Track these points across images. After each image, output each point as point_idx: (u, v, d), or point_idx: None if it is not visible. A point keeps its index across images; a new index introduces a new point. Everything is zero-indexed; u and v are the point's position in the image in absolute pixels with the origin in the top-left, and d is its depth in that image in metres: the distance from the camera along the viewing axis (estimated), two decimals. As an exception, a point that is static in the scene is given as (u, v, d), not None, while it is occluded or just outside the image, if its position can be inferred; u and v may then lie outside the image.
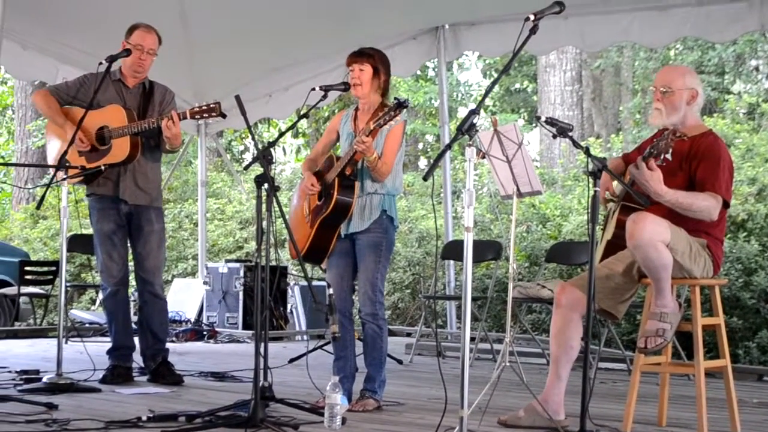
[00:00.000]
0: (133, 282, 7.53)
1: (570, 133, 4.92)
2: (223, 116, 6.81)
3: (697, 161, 5.40)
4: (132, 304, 8.10)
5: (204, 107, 6.74)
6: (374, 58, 6.13)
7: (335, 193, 5.99)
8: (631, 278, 5.47)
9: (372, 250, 6.05)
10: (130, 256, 7.36)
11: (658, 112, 5.51)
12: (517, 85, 25.16)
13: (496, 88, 22.76)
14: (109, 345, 7.35)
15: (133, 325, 7.51)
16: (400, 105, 5.70)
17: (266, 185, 5.41)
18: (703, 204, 5.27)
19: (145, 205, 7.20)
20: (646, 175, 5.12)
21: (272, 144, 5.79)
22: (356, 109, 6.27)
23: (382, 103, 6.12)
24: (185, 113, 6.77)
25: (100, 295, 14.56)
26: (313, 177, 6.23)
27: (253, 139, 6.30)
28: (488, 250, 9.69)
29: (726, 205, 5.40)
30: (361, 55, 6.14)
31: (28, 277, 12.43)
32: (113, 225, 7.18)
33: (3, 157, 25.78)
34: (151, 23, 7.25)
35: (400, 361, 8.99)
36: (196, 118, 6.83)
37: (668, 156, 5.07)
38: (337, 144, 6.40)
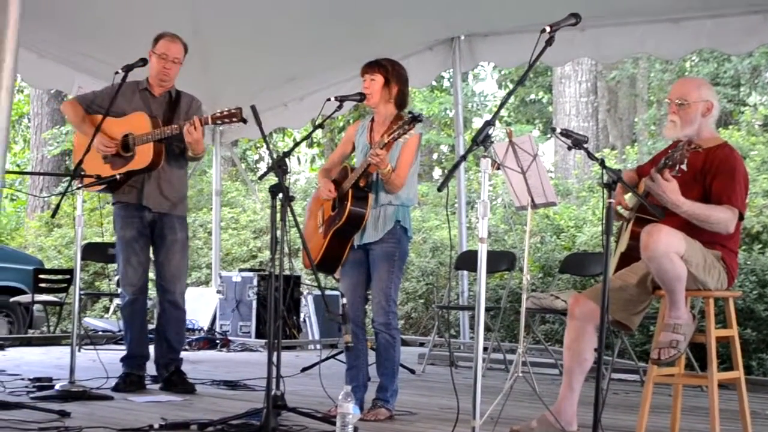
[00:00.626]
0: (153, 291, 7.55)
1: (585, 145, 4.92)
2: (244, 121, 6.80)
3: (712, 174, 5.38)
4: (151, 312, 8.12)
5: (225, 112, 6.76)
6: (386, 69, 6.13)
7: (349, 204, 6.00)
8: (645, 290, 5.46)
9: (386, 260, 6.05)
10: (152, 266, 7.39)
11: (673, 125, 5.50)
12: (533, 96, 25.16)
13: (511, 98, 22.75)
14: (124, 352, 7.36)
15: (150, 334, 7.54)
16: (414, 119, 5.71)
17: (281, 195, 5.42)
18: (721, 216, 5.26)
19: (169, 213, 7.22)
20: (663, 186, 5.11)
21: (287, 154, 5.80)
22: (372, 120, 6.28)
23: (398, 115, 6.12)
24: (207, 119, 6.80)
25: (115, 302, 14.64)
26: (330, 183, 6.23)
27: (268, 148, 6.31)
28: (502, 261, 9.69)
29: (741, 217, 5.39)
30: (373, 65, 6.15)
31: (42, 285, 12.45)
32: (135, 232, 7.21)
33: (19, 166, 25.88)
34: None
35: (412, 371, 8.98)
36: (217, 123, 6.84)
37: (683, 167, 5.06)
38: (353, 154, 6.41)
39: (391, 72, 6.13)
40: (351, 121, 20.84)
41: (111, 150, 7.05)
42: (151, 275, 7.51)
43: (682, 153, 5.01)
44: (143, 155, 6.99)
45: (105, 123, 6.97)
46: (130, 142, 7.02)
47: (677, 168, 5.06)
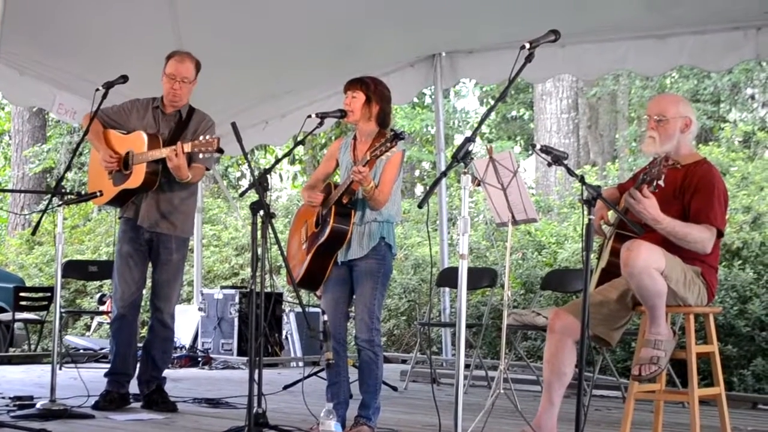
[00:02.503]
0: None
1: (565, 161, 4.94)
2: (221, 152, 6.81)
3: (691, 191, 5.41)
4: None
5: (203, 141, 6.73)
6: (368, 87, 6.14)
7: (332, 220, 6.00)
8: (625, 305, 5.48)
9: (370, 276, 6.05)
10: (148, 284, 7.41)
11: (651, 140, 5.53)
12: (514, 113, 25.23)
13: (493, 115, 22.82)
14: (105, 370, 7.34)
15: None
16: (396, 137, 5.70)
17: (262, 212, 5.42)
18: (699, 236, 5.29)
19: (167, 233, 7.21)
20: (643, 202, 5.13)
21: (268, 171, 5.81)
22: (354, 138, 6.29)
23: (380, 133, 6.13)
24: (183, 147, 6.79)
25: (96, 320, 14.59)
26: (316, 192, 6.23)
27: (250, 165, 6.31)
28: (483, 278, 9.71)
29: (720, 234, 5.42)
30: (355, 83, 6.16)
31: (23, 302, 12.40)
32: (131, 249, 7.22)
33: (-1, 183, 25.81)
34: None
35: (394, 388, 8.97)
36: (195, 151, 6.80)
37: (661, 182, 5.09)
38: (336, 171, 6.42)
39: (373, 90, 6.14)
40: (333, 138, 20.85)
41: (112, 165, 7.06)
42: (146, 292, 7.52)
43: (660, 169, 5.04)
44: (137, 175, 7.01)
45: (113, 137, 7.12)
46: (130, 160, 7.04)
47: (655, 184, 5.09)
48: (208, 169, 7.41)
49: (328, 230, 6.00)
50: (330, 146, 6.69)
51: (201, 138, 6.75)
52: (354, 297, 6.17)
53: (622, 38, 9.67)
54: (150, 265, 7.35)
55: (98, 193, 6.91)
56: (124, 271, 7.23)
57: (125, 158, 7.07)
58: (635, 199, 5.15)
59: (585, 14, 9.18)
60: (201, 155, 6.83)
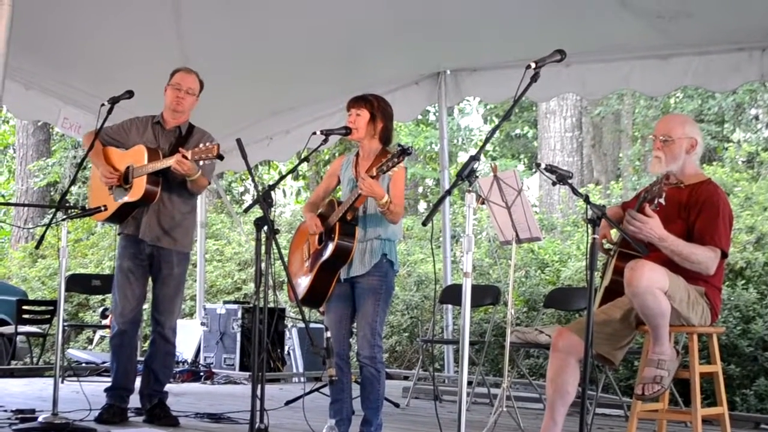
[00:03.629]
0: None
1: (569, 181, 4.94)
2: (221, 158, 6.80)
3: (696, 211, 5.42)
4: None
5: (203, 148, 6.74)
6: (372, 104, 6.16)
7: (336, 237, 6.01)
8: (629, 325, 5.48)
9: (372, 293, 6.05)
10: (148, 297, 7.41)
11: (657, 161, 5.54)
12: (518, 131, 25.23)
13: (497, 133, 22.81)
14: (108, 383, 7.33)
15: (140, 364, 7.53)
16: (404, 152, 5.70)
17: (266, 228, 5.43)
18: (702, 257, 5.30)
19: (168, 247, 7.21)
20: (649, 223, 5.14)
21: (272, 187, 5.81)
22: (357, 155, 6.30)
23: (383, 150, 6.15)
24: (186, 155, 6.80)
25: (98, 334, 14.60)
26: (316, 218, 6.25)
27: (254, 182, 6.31)
28: (487, 295, 9.70)
29: (724, 255, 5.42)
30: (359, 100, 6.18)
31: (26, 316, 12.39)
32: (131, 264, 7.21)
33: (3, 197, 25.82)
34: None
35: (396, 405, 8.96)
36: (195, 159, 6.81)
37: (662, 201, 5.10)
38: (338, 188, 6.43)
39: (377, 107, 6.16)
40: (336, 155, 20.88)
41: (112, 180, 7.08)
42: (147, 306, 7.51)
43: (660, 187, 5.05)
44: (137, 188, 7.01)
45: (113, 154, 7.14)
46: (130, 174, 7.05)
47: (656, 202, 5.09)
48: (208, 183, 7.40)
49: (332, 247, 6.01)
50: (332, 164, 6.70)
51: (201, 145, 6.76)
52: (356, 314, 6.17)
53: (627, 58, 9.67)
54: (150, 280, 7.35)
55: (102, 208, 6.90)
56: (124, 287, 7.22)
57: (125, 173, 7.09)
58: (641, 222, 5.15)
59: (589, 34, 9.20)
60: (201, 163, 6.84)
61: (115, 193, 7.13)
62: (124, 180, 7.09)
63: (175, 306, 7.40)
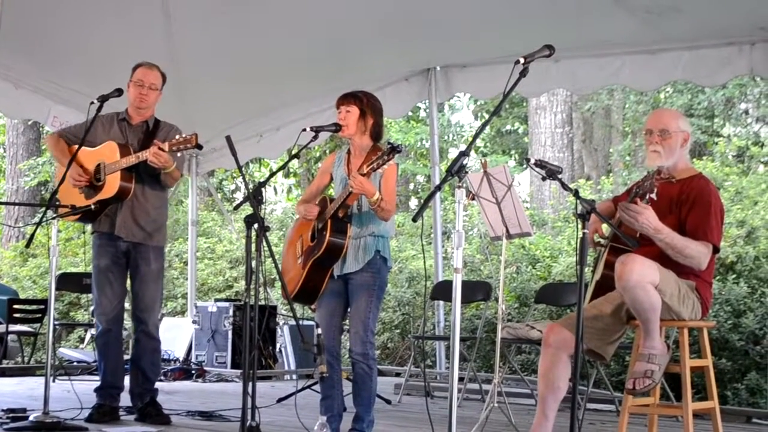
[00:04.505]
0: (128, 321, 7.51)
1: (559, 176, 4.94)
2: (200, 147, 6.76)
3: (688, 206, 5.42)
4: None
5: (180, 139, 6.72)
6: (362, 101, 6.15)
7: (328, 234, 6.00)
8: (620, 319, 5.48)
9: (365, 290, 6.05)
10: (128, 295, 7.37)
11: (657, 154, 5.51)
12: (508, 127, 25.25)
13: (487, 129, 22.83)
14: (98, 383, 7.32)
15: (126, 364, 7.50)
16: (394, 149, 5.70)
17: (256, 225, 5.42)
18: (695, 251, 5.30)
19: (144, 243, 7.19)
20: (645, 214, 5.14)
21: (263, 184, 5.80)
22: (348, 152, 6.29)
23: (374, 147, 6.14)
24: (164, 147, 6.76)
25: (90, 333, 14.56)
26: (311, 205, 6.24)
27: (244, 179, 6.31)
28: (478, 291, 9.70)
29: (716, 250, 5.42)
30: (348, 97, 6.17)
31: (17, 315, 12.38)
32: (109, 262, 7.18)
33: (-7, 196, 25.77)
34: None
35: (388, 401, 8.96)
36: (173, 150, 6.78)
37: (653, 196, 5.10)
38: (330, 185, 6.42)
39: (366, 104, 6.16)
40: (327, 152, 20.87)
41: (82, 182, 7.02)
42: (127, 305, 7.48)
43: (651, 182, 5.06)
44: (111, 184, 6.96)
45: (81, 154, 7.00)
46: (101, 171, 7.01)
47: (647, 197, 5.10)
48: (181, 175, 7.37)
49: (324, 244, 6.00)
50: (324, 161, 6.69)
51: (177, 136, 6.73)
52: (349, 310, 6.17)
53: (617, 53, 9.68)
54: (128, 277, 7.33)
55: (92, 206, 6.88)
56: (104, 286, 7.19)
57: (96, 171, 7.06)
58: (636, 212, 5.15)
59: (579, 29, 9.20)
60: (179, 154, 6.81)
61: (85, 192, 7.07)
62: (96, 178, 7.05)
63: (156, 302, 7.37)
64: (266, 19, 9.43)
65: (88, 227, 7.39)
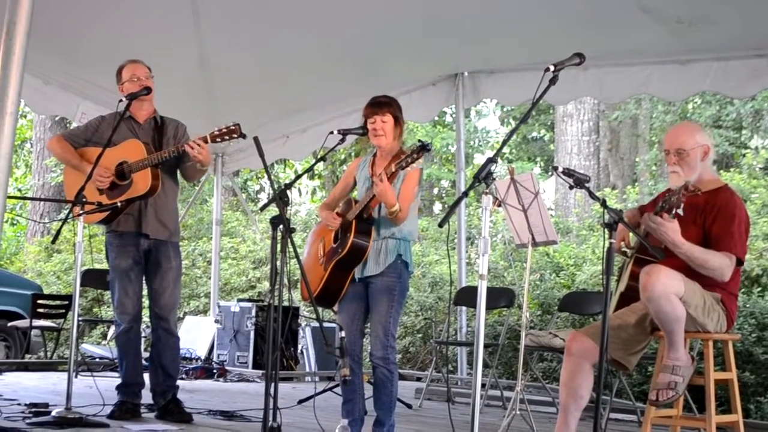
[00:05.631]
0: (146, 318, 7.51)
1: (587, 185, 4.93)
2: (244, 137, 6.72)
3: (712, 217, 5.40)
4: (144, 340, 8.09)
5: (224, 129, 6.70)
6: (393, 107, 6.14)
7: (351, 235, 5.99)
8: (644, 330, 5.47)
9: (386, 294, 6.03)
10: (144, 292, 7.36)
11: (676, 176, 5.50)
12: (534, 134, 25.23)
13: (513, 136, 22.80)
14: (119, 380, 7.34)
15: (144, 362, 7.50)
16: (423, 147, 5.68)
17: (281, 226, 5.43)
18: (717, 263, 5.28)
19: (165, 240, 7.20)
20: (666, 226, 5.12)
21: (289, 186, 5.81)
22: (374, 155, 6.28)
23: (400, 150, 6.13)
24: (206, 137, 6.73)
25: (112, 330, 14.63)
26: (334, 213, 6.24)
27: (270, 180, 6.29)
28: (501, 298, 9.68)
29: (740, 263, 5.40)
30: (381, 106, 6.12)
31: (41, 310, 12.44)
32: (131, 261, 7.17)
33: (20, 191, 25.91)
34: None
35: (409, 406, 8.96)
36: (217, 141, 6.76)
37: (680, 211, 5.08)
38: (354, 188, 6.42)
39: (397, 109, 6.16)
40: (352, 154, 20.90)
41: (106, 182, 7.02)
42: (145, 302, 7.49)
43: (678, 198, 5.02)
44: (142, 181, 6.96)
45: (94, 154, 6.96)
46: (126, 169, 7.00)
47: (674, 212, 5.07)
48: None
49: (348, 245, 5.99)
50: (349, 165, 6.68)
51: (222, 126, 6.72)
52: (370, 314, 6.16)
53: (645, 63, 9.65)
54: (145, 275, 7.31)
55: (118, 204, 6.90)
56: (126, 286, 7.17)
57: (119, 169, 7.06)
58: (656, 223, 5.14)
59: (608, 38, 9.17)
60: (218, 142, 6.78)
61: (108, 193, 7.03)
62: (120, 176, 7.06)
63: (176, 298, 7.36)
64: (294, 21, 9.44)
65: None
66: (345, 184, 6.46)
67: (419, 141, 5.79)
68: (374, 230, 6.04)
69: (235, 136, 6.69)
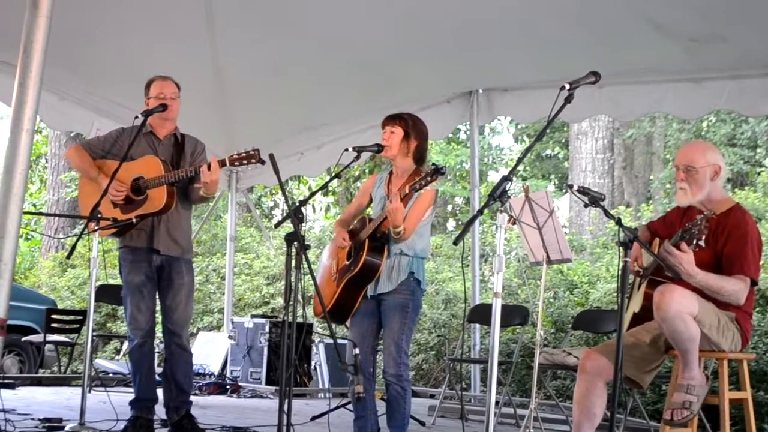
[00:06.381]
0: (159, 333, 7.52)
1: (602, 203, 4.93)
2: (262, 162, 6.69)
3: (724, 237, 5.40)
4: (157, 355, 8.09)
5: (243, 154, 6.71)
6: (407, 122, 6.17)
7: (364, 254, 6.01)
8: (658, 349, 5.46)
9: (398, 311, 6.04)
10: (157, 307, 7.36)
11: (683, 192, 5.52)
12: (549, 151, 25.22)
13: (528, 153, 22.78)
14: (132, 396, 7.34)
15: (157, 377, 7.50)
16: (437, 171, 5.69)
17: (296, 243, 5.44)
18: (732, 289, 5.28)
19: (177, 256, 7.21)
20: (680, 257, 5.11)
21: (304, 203, 5.83)
22: (390, 173, 6.30)
23: (416, 170, 6.15)
24: (224, 161, 6.74)
25: (125, 346, 14.65)
26: (345, 232, 6.25)
27: (285, 197, 6.31)
28: (515, 315, 9.67)
29: (754, 283, 5.39)
30: (395, 118, 6.19)
31: (55, 325, 12.46)
32: (144, 277, 7.17)
33: (35, 206, 25.98)
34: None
35: (422, 423, 8.94)
36: (235, 165, 6.76)
37: (701, 243, 5.06)
38: (370, 206, 6.43)
39: (411, 126, 6.17)
40: (367, 171, 20.92)
41: (122, 195, 7.03)
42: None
43: (701, 228, 4.99)
44: (157, 198, 6.96)
45: (112, 167, 6.97)
46: (142, 185, 7.02)
47: (695, 243, 5.05)
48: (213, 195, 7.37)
49: (360, 263, 6.01)
50: (365, 181, 6.70)
51: (242, 151, 6.73)
52: (382, 331, 6.16)
53: (660, 81, 9.64)
54: (158, 291, 7.33)
55: (134, 220, 6.91)
56: (139, 302, 7.15)
57: (135, 184, 7.09)
58: (671, 254, 5.12)
59: (622, 55, 9.17)
60: (237, 166, 6.79)
61: (122, 207, 7.05)
62: (135, 191, 7.08)
63: (189, 314, 7.35)
64: (310, 37, 9.47)
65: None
66: (360, 201, 6.48)
67: (433, 164, 5.81)
68: (387, 248, 6.05)
69: (254, 161, 6.68)
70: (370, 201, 6.40)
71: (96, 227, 6.67)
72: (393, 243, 6.05)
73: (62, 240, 20.59)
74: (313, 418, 8.53)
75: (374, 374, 6.29)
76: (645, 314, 5.41)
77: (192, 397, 7.51)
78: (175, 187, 7.01)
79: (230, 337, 12.22)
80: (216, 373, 12.20)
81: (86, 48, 9.56)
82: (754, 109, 9.57)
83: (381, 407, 6.26)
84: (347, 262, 6.19)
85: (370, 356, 6.21)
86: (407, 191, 5.79)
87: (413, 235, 6.05)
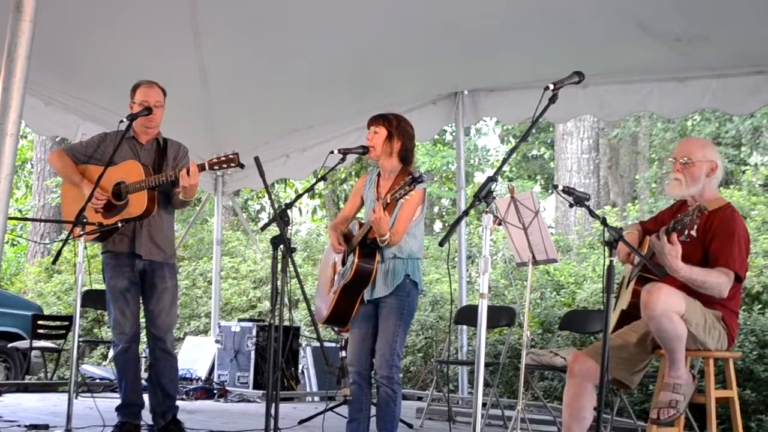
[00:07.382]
0: (144, 339, 7.50)
1: (587, 203, 4.93)
2: (242, 166, 6.74)
3: (711, 234, 5.41)
4: (143, 361, 8.07)
5: (222, 158, 6.72)
6: (391, 123, 6.17)
7: (356, 259, 6.02)
8: (645, 349, 5.46)
9: (394, 313, 6.05)
10: (142, 313, 7.34)
11: (677, 182, 5.53)
12: (534, 152, 25.23)
13: (513, 154, 22.80)
14: (119, 401, 7.32)
15: (143, 382, 7.48)
16: (415, 180, 5.68)
17: (282, 246, 5.43)
18: (715, 281, 5.28)
19: (160, 261, 7.18)
20: (666, 248, 5.12)
21: (290, 206, 5.82)
22: (378, 174, 6.30)
23: (403, 170, 6.15)
24: (204, 165, 6.73)
25: (112, 351, 14.63)
26: (339, 236, 6.26)
27: (271, 200, 6.30)
28: (502, 316, 9.67)
29: (739, 279, 5.39)
30: (378, 118, 6.20)
31: (41, 331, 12.43)
32: (127, 282, 7.15)
33: (20, 211, 25.92)
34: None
35: (410, 425, 8.93)
36: (214, 168, 6.77)
37: (693, 233, 5.08)
38: (362, 208, 6.44)
39: (396, 126, 6.17)
40: (353, 173, 20.92)
41: (102, 201, 7.01)
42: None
43: (692, 219, 5.01)
44: (137, 203, 6.95)
45: (96, 172, 6.97)
46: (123, 190, 7.00)
47: (686, 233, 5.07)
48: (193, 200, 7.36)
49: (353, 269, 6.02)
50: (355, 184, 6.70)
51: (221, 155, 6.74)
52: (378, 333, 6.16)
53: (645, 80, 9.66)
54: (142, 296, 7.30)
55: (119, 224, 6.89)
56: (123, 307, 7.13)
57: (116, 189, 7.06)
58: (661, 243, 5.13)
59: (608, 56, 9.19)
60: (216, 170, 6.79)
61: (103, 212, 7.01)
62: (116, 196, 7.07)
63: (173, 319, 7.34)
64: (295, 41, 9.46)
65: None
66: (353, 203, 6.48)
67: (410, 174, 5.82)
68: (378, 252, 6.06)
69: (233, 165, 6.70)
70: (362, 202, 6.40)
71: (81, 232, 6.65)
72: (385, 247, 6.06)
73: (48, 246, 20.55)
74: (301, 422, 8.52)
75: (370, 377, 6.27)
76: (633, 311, 5.41)
77: (179, 402, 7.50)
78: (156, 191, 6.99)
79: (217, 341, 12.19)
80: (203, 378, 12.17)
81: (72, 52, 9.54)
82: (739, 107, 9.58)
83: (371, 410, 6.25)
84: (342, 268, 6.20)
85: (368, 359, 6.20)
86: (389, 201, 5.79)
87: (405, 236, 6.05)
